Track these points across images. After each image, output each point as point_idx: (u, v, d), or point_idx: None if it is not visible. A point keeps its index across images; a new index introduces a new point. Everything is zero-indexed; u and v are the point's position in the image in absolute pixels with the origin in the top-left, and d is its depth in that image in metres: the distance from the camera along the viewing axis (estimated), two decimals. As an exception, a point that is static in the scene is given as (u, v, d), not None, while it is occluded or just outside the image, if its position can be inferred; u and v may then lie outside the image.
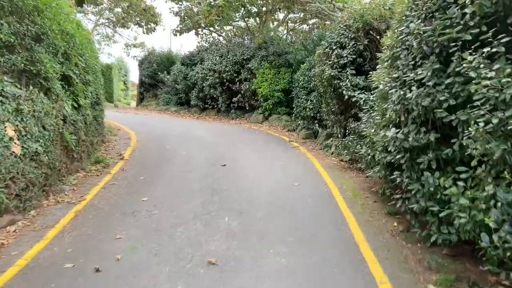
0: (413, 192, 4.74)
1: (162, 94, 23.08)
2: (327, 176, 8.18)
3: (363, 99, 8.04)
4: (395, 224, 5.60)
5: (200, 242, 4.93)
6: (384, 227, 5.58)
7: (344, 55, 9.31)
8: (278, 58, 16.93)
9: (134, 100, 32.52)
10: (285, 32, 21.59)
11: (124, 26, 25.80)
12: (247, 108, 18.14)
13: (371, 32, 8.89)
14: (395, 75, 5.00)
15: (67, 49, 8.42)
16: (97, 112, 10.29)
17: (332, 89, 9.89)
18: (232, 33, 22.71)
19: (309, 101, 12.98)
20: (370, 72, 7.67)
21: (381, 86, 5.38)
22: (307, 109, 13.00)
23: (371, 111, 6.86)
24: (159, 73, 23.06)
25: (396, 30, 5.23)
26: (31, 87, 6.80)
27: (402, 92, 4.66)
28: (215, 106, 19.56)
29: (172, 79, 21.49)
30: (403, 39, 4.89)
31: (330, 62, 9.57)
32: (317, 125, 12.77)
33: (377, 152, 5.93)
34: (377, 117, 6.03)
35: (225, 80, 18.28)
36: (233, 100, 18.38)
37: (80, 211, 5.88)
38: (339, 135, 10.63)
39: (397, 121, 5.09)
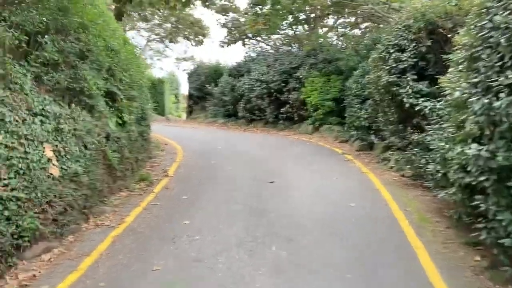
0: (503, 223, 3.83)
1: (210, 106, 23.04)
2: (388, 194, 7.28)
3: (429, 107, 7.09)
4: (478, 258, 4.64)
5: (244, 277, 4.32)
6: (463, 261, 4.64)
7: (404, 58, 8.38)
8: (328, 65, 16.13)
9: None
10: (335, 38, 20.75)
11: (172, 41, 26.25)
12: (296, 119, 17.43)
13: (435, 31, 7.92)
14: (475, 80, 4.13)
15: (112, 65, 8.29)
16: (143, 128, 10.12)
17: (390, 97, 8.97)
18: (279, 42, 22.23)
19: (363, 110, 12.06)
20: (436, 77, 6.76)
21: (456, 93, 4.49)
22: (361, 119, 12.07)
23: (441, 122, 5.93)
24: (207, 85, 23.06)
25: (473, 26, 4.36)
26: (73, 105, 6.65)
27: (486, 101, 3.79)
28: (263, 117, 19.06)
29: (220, 91, 21.37)
30: (485, 35, 4.02)
31: (387, 67, 8.68)
32: (372, 136, 11.80)
33: (451, 170, 5.02)
34: (449, 129, 5.13)
35: (272, 90, 17.75)
36: (281, 111, 17.77)
37: (118, 236, 5.50)
38: (399, 147, 9.62)
39: (478, 135, 4.19)
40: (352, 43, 17.52)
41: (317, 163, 10.18)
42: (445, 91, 5.77)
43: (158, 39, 28.17)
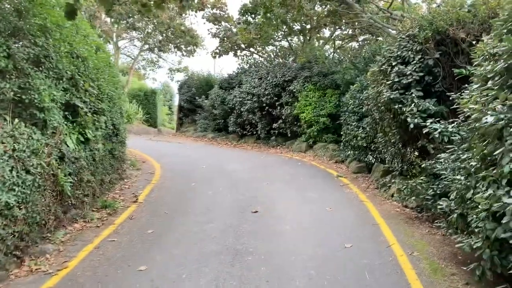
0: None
1: (200, 119, 21.95)
2: (390, 232, 6.17)
3: (439, 130, 6.04)
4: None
5: None
6: None
7: (408, 72, 7.36)
8: (324, 79, 15.13)
9: (179, 125, 31.89)
10: (331, 50, 19.82)
11: (161, 50, 25.23)
12: (289, 135, 16.36)
13: (445, 42, 6.93)
14: (515, 101, 3.07)
15: (76, 74, 7.22)
16: (114, 145, 9.00)
17: (391, 115, 7.94)
18: (274, 54, 21.30)
19: (361, 128, 11.01)
20: (446, 94, 5.77)
21: (488, 119, 3.42)
22: (359, 138, 11.02)
23: (459, 151, 4.86)
24: (197, 97, 22.02)
25: (505, 32, 3.32)
26: (16, 120, 5.55)
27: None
28: (254, 132, 17.98)
29: (210, 104, 20.31)
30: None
31: (388, 82, 7.65)
32: (371, 157, 10.74)
33: (474, 215, 3.95)
34: (471, 162, 4.06)
35: (264, 105, 16.71)
36: (273, 126, 16.71)
37: (51, 290, 4.35)
38: (401, 172, 8.57)
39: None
40: (349, 55, 16.55)
41: (309, 187, 9.08)
42: (461, 111, 4.76)
43: (149, 49, 27.17)
